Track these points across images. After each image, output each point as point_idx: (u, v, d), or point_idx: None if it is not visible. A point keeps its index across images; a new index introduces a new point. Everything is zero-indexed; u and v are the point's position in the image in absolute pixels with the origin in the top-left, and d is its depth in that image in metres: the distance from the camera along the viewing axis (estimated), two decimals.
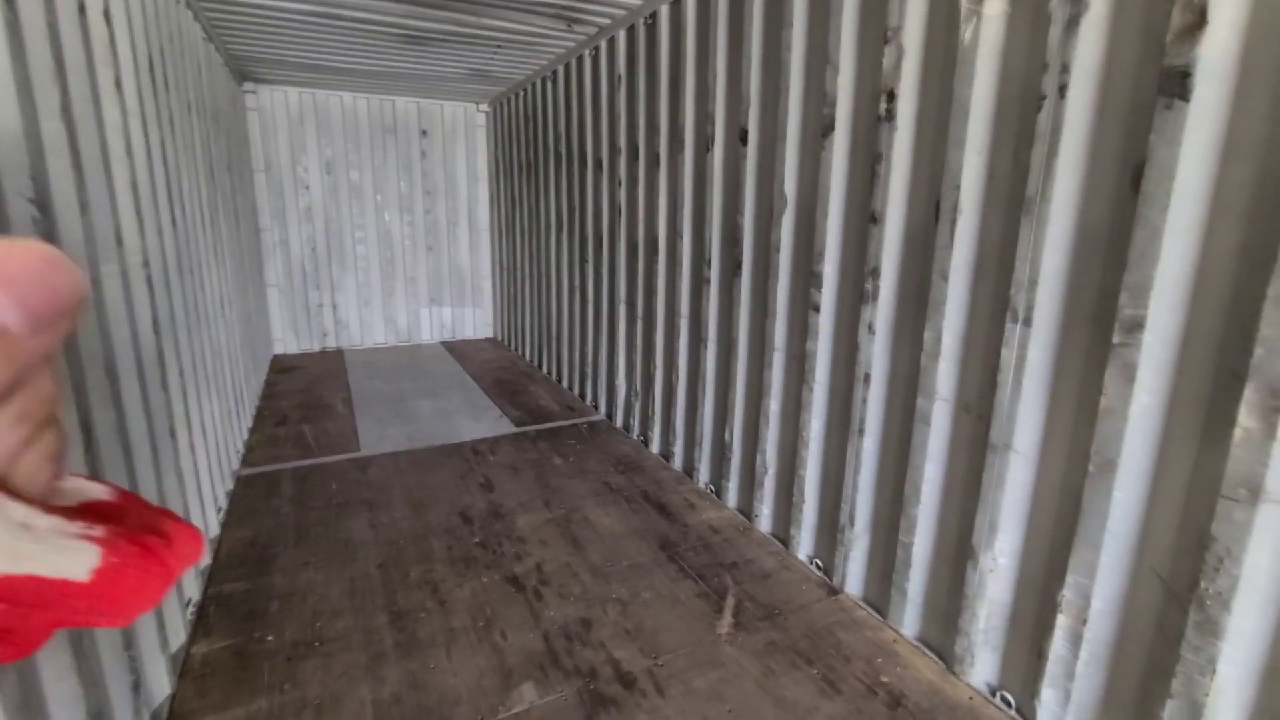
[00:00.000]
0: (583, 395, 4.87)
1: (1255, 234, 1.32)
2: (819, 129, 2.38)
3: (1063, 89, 1.60)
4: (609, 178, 4.09)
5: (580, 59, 4.30)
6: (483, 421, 4.40)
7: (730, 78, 2.89)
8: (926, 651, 2.13)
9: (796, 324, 2.63)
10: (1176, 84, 1.39)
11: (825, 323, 2.45)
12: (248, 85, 5.69)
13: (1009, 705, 1.88)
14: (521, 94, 5.59)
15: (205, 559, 2.52)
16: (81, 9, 1.72)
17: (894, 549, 2.22)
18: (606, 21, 3.79)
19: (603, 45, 3.96)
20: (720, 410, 3.21)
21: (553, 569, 2.58)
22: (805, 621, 2.28)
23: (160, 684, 1.82)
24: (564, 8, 3.58)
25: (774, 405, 2.78)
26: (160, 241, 2.30)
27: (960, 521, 2.01)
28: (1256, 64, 1.31)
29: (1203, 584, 1.41)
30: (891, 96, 2.06)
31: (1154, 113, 1.43)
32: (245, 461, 3.61)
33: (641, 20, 3.50)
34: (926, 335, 2.02)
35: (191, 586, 2.25)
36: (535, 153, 5.36)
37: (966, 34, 1.81)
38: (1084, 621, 1.66)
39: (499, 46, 4.38)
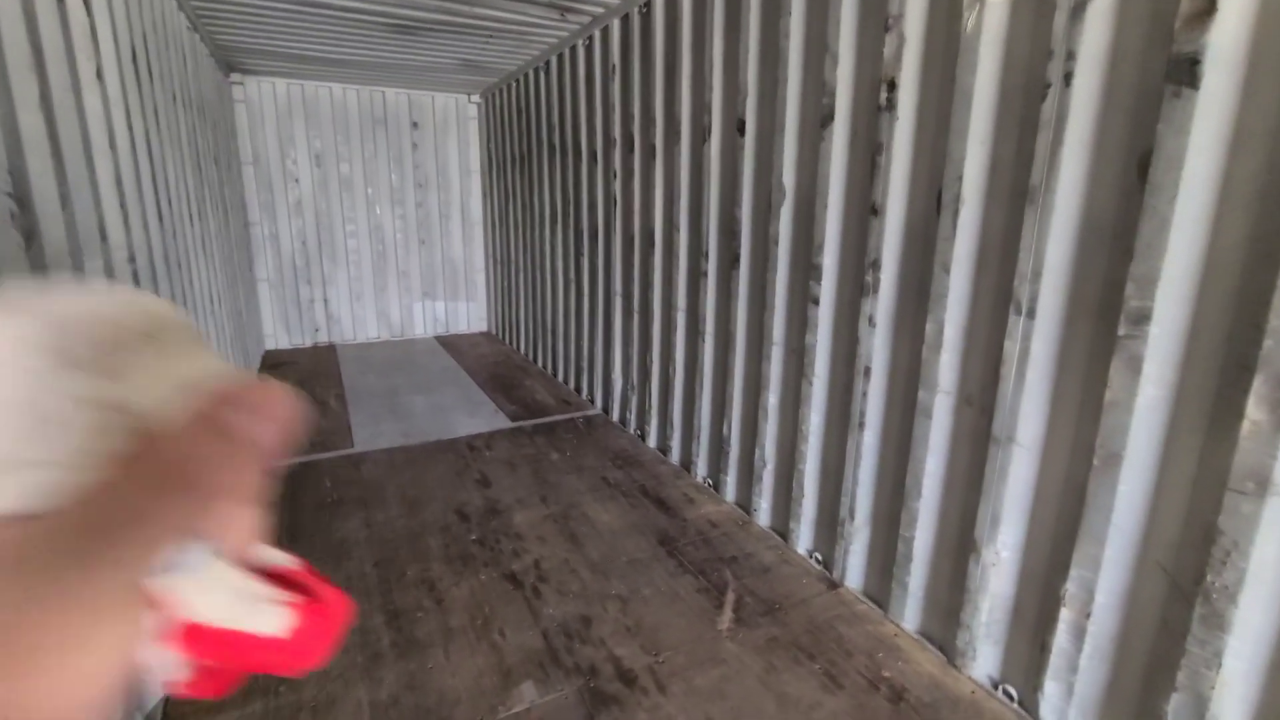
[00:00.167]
0: (579, 389, 4.84)
1: (1264, 224, 1.30)
2: (818, 119, 2.35)
3: (1068, 77, 1.57)
4: (604, 170, 4.05)
5: (574, 49, 4.25)
6: (478, 417, 4.36)
7: (727, 67, 2.85)
8: (928, 645, 2.12)
9: (795, 317, 2.60)
10: (1185, 72, 1.36)
11: (825, 316, 2.43)
12: (234, 76, 5.60)
13: (1011, 698, 1.88)
14: (514, 85, 5.52)
15: None
16: None
17: (895, 543, 2.21)
18: (600, 10, 3.73)
19: (596, 35, 3.91)
20: (718, 404, 3.19)
21: (551, 566, 2.55)
22: (806, 616, 2.27)
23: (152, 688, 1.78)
24: None
25: (773, 399, 2.76)
26: (146, 236, 2.25)
27: (962, 515, 1.99)
28: (1267, 51, 1.29)
29: (1209, 577, 1.40)
30: (892, 86, 2.03)
31: (1162, 101, 1.40)
32: None
33: (636, 8, 3.45)
34: (928, 328, 2.00)
35: None
36: (529, 144, 5.30)
37: (969, 21, 1.78)
38: (1087, 615, 1.65)
39: (490, 36, 4.31)
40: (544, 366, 5.58)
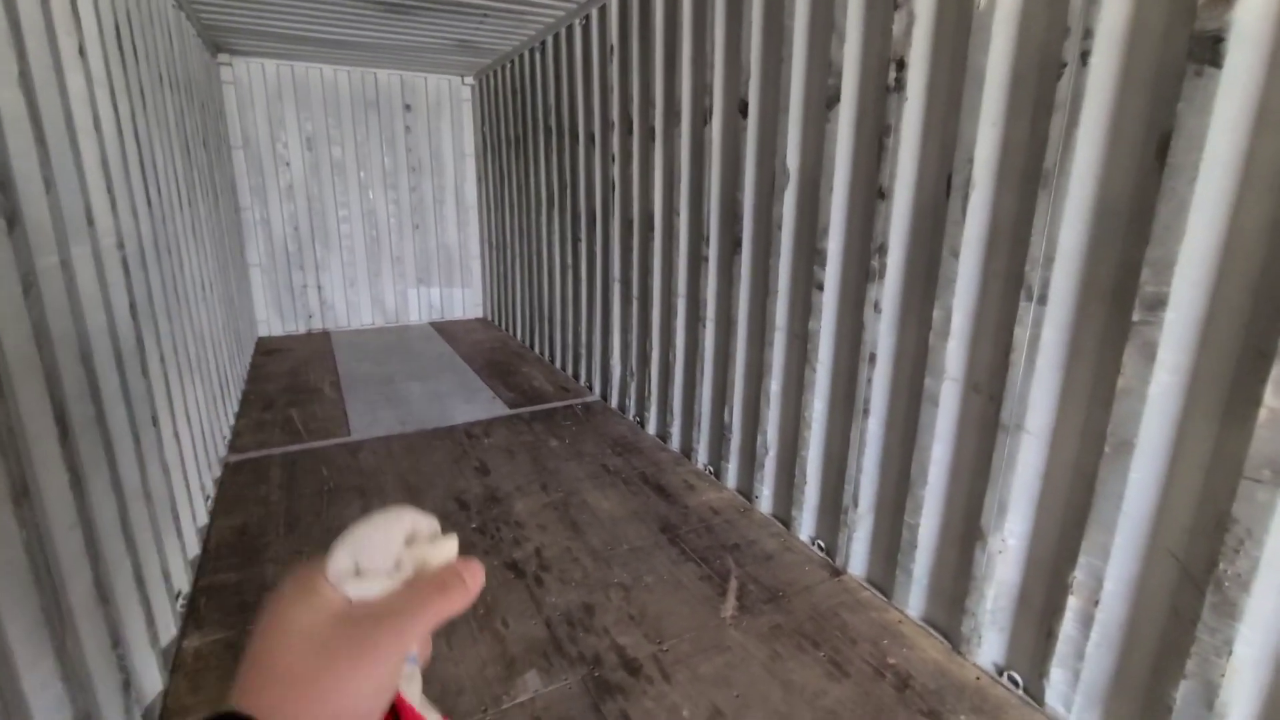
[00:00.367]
0: (576, 376, 4.81)
1: None
2: (823, 100, 2.30)
3: (1085, 55, 1.53)
4: (602, 153, 3.98)
5: (570, 29, 4.15)
6: (475, 404, 4.33)
7: (729, 47, 2.79)
8: (932, 632, 2.12)
9: (799, 303, 2.57)
10: (1208, 50, 1.32)
11: (829, 301, 2.40)
12: (222, 57, 5.47)
13: (1016, 685, 1.88)
14: (509, 66, 5.41)
15: (195, 549, 2.45)
16: None
17: (899, 530, 2.19)
18: None
19: (594, 14, 3.82)
20: (719, 391, 3.16)
21: (553, 554, 2.54)
22: (809, 603, 2.26)
23: (152, 680, 1.76)
24: None
25: (775, 385, 2.74)
26: (135, 221, 2.19)
27: (968, 503, 1.98)
28: None
29: (1221, 565, 1.39)
30: (901, 65, 1.98)
31: (1183, 80, 1.37)
32: (232, 447, 3.52)
33: None
34: (935, 314, 1.97)
35: (181, 577, 2.19)
36: (524, 127, 5.21)
37: None
38: (1096, 603, 1.65)
39: (485, 16, 4.21)
40: (541, 353, 5.54)
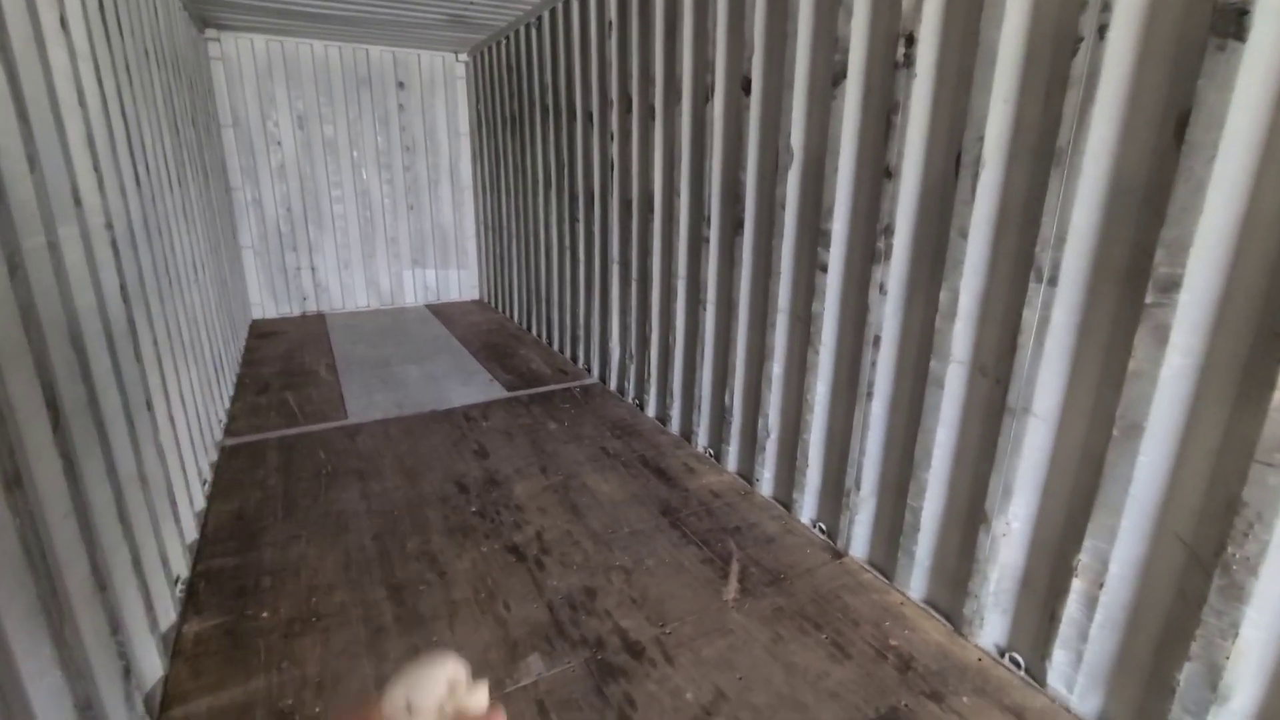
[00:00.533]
0: (575, 358, 4.78)
1: None
2: (829, 77, 2.24)
3: (1102, 29, 1.49)
4: (600, 131, 3.91)
5: (567, 4, 4.06)
6: (473, 386, 4.30)
7: (732, 21, 2.72)
8: (934, 614, 2.12)
9: (802, 284, 2.54)
10: (1232, 22, 1.28)
11: (833, 283, 2.37)
12: (210, 32, 5.33)
13: (1018, 666, 1.89)
14: (504, 42, 5.30)
15: (193, 534, 2.43)
16: None
17: (902, 512, 2.19)
18: None
19: None
20: (720, 373, 3.14)
21: (553, 537, 2.53)
22: (811, 586, 2.26)
23: (152, 666, 1.75)
24: None
25: (777, 368, 2.71)
26: (123, 201, 2.13)
27: (973, 486, 1.97)
28: None
29: (1230, 549, 1.38)
30: (910, 40, 1.93)
31: (1204, 54, 1.33)
32: (228, 431, 3.49)
33: None
34: (942, 296, 1.95)
35: (179, 563, 2.17)
36: (520, 105, 5.12)
37: None
38: (1100, 585, 1.65)
39: None
40: (539, 335, 5.50)
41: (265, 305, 6.15)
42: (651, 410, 3.76)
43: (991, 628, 1.96)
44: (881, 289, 2.16)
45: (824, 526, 2.58)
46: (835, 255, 2.34)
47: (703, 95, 2.94)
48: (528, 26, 4.74)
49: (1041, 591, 1.83)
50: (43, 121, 1.54)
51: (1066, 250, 1.62)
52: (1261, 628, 1.38)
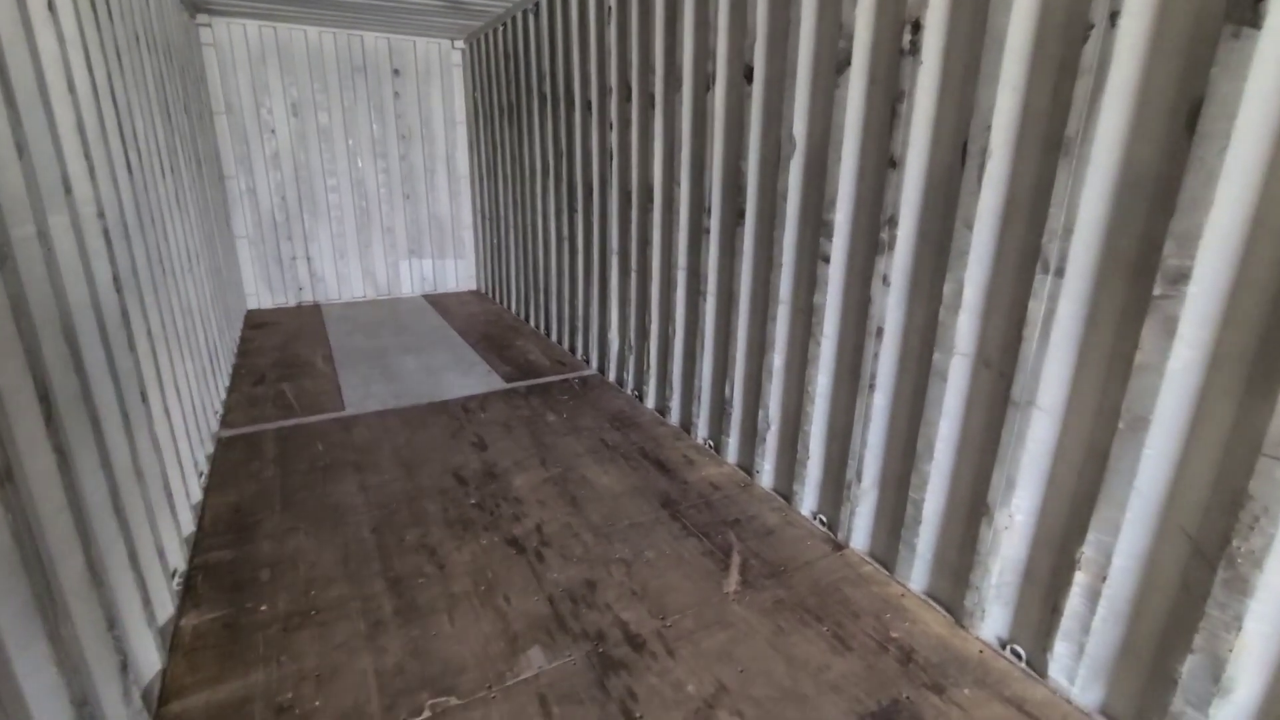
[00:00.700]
0: (573, 349, 4.76)
1: None
2: (833, 64, 2.21)
3: (1114, 16, 1.46)
4: (599, 120, 3.86)
5: None
6: (471, 377, 4.28)
7: (734, 8, 2.68)
8: (935, 606, 2.12)
9: (804, 276, 2.52)
10: (1248, 9, 1.26)
11: (835, 274, 2.35)
12: (201, 17, 5.25)
13: (1019, 658, 1.89)
14: (501, 29, 5.23)
15: (189, 526, 2.41)
16: None
17: (903, 505, 2.18)
18: None
19: None
20: (720, 365, 3.12)
21: (553, 530, 2.52)
22: (812, 578, 2.26)
23: (149, 660, 1.74)
24: None
25: (778, 360, 2.70)
26: (115, 189, 2.09)
27: (975, 478, 1.96)
28: None
29: (1235, 542, 1.37)
30: (917, 27, 1.90)
31: (1218, 42, 1.30)
32: (224, 423, 3.47)
33: None
34: (947, 287, 1.93)
35: (176, 556, 2.15)
36: (518, 94, 5.06)
37: None
38: (1103, 578, 1.64)
39: None
40: (536, 326, 5.47)
41: (260, 295, 6.10)
42: (651, 402, 3.75)
43: (993, 620, 1.96)
44: (885, 280, 2.14)
45: (824, 519, 2.57)
46: (838, 246, 2.32)
47: (704, 83, 2.91)
48: (525, 13, 4.67)
49: (1044, 584, 1.83)
50: (31, 107, 1.50)
51: (1074, 241, 1.61)
52: (1265, 621, 1.38)
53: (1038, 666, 1.83)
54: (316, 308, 6.20)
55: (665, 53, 3.16)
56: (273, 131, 5.79)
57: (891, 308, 2.15)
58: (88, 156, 1.84)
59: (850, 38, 2.11)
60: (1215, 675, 1.44)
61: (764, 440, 2.82)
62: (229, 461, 3.04)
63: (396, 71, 6.15)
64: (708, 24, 2.81)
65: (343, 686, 1.77)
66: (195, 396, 2.93)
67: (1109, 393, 1.60)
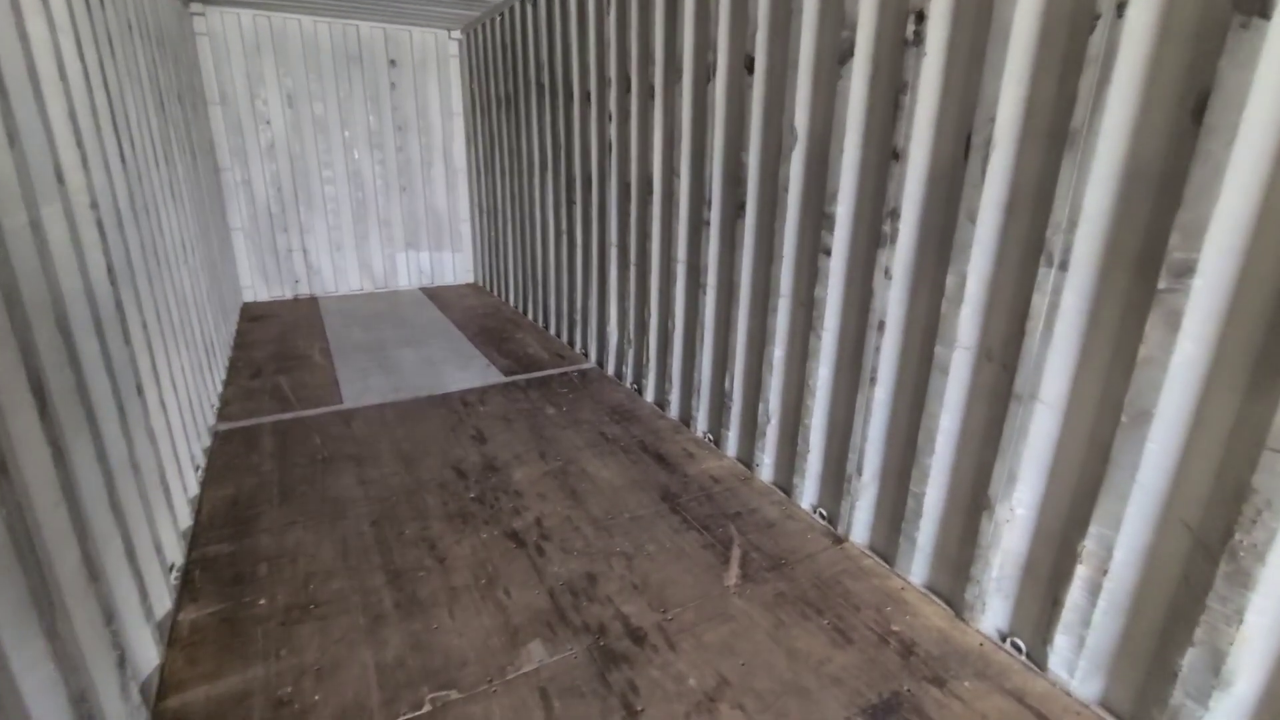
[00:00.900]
0: (572, 343, 4.74)
1: None
2: (836, 55, 2.19)
3: (1121, 7, 1.45)
4: (598, 112, 3.83)
5: None
6: (470, 371, 4.26)
7: None
8: (935, 599, 2.12)
9: (805, 269, 2.51)
10: None
11: (837, 267, 2.34)
12: (195, 6, 5.18)
13: (1019, 651, 1.89)
14: (498, 19, 5.18)
15: (187, 520, 2.40)
16: None
17: (904, 498, 2.18)
18: None
19: None
20: (720, 358, 3.11)
21: (553, 523, 2.51)
22: (812, 571, 2.26)
23: (147, 654, 1.73)
24: None
25: (778, 353, 2.69)
26: (108, 179, 2.07)
27: (977, 472, 1.96)
28: None
29: (1237, 535, 1.37)
30: (921, 17, 1.88)
31: (1227, 33, 1.29)
32: (221, 416, 3.45)
33: None
34: (949, 280, 1.92)
35: (173, 550, 2.14)
36: (515, 85, 5.02)
37: None
38: (1104, 572, 1.64)
39: None
40: (535, 319, 5.45)
41: (256, 288, 6.06)
42: (650, 395, 3.74)
43: (993, 613, 1.96)
44: (886, 273, 2.13)
45: (825, 512, 2.57)
46: (839, 239, 2.30)
47: (704, 74, 2.88)
48: (523, 2, 4.63)
49: (1044, 577, 1.83)
50: (22, 95, 1.48)
51: (1078, 234, 1.60)
52: (1266, 614, 1.38)
53: (1038, 659, 1.84)
54: (313, 300, 6.17)
55: (665, 43, 3.14)
56: (268, 122, 5.74)
57: (893, 301, 2.14)
58: (80, 146, 1.81)
59: (853, 28, 2.09)
60: (1215, 668, 1.44)
61: (764, 433, 2.81)
62: (226, 455, 3.02)
63: (393, 62, 6.10)
64: (708, 14, 2.78)
65: (342, 680, 1.76)
66: (191, 389, 2.91)
67: (1112, 386, 1.60)
